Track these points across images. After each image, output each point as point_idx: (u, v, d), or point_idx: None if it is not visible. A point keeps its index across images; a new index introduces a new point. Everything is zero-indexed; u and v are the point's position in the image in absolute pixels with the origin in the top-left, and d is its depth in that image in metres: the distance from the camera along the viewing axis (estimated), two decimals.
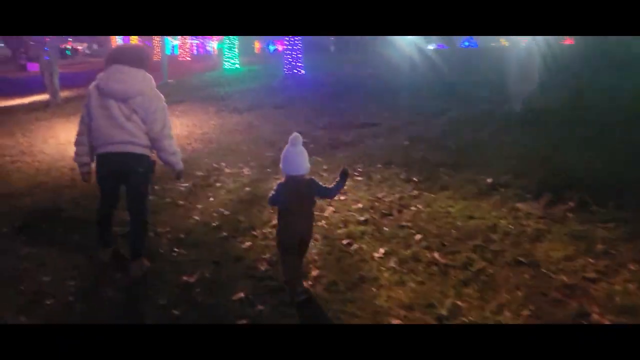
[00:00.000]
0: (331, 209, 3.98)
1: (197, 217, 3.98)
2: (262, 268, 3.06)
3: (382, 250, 3.21)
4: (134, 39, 20.15)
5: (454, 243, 3.27)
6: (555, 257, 2.98)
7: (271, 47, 37.94)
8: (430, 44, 23.22)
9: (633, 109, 6.45)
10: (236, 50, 18.57)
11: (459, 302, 2.58)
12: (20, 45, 24.50)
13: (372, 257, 3.14)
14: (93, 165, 3.12)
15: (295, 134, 2.61)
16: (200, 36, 30.61)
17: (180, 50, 31.10)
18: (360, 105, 9.18)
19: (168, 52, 23.10)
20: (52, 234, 3.72)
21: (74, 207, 4.23)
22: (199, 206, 4.23)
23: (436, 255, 3.11)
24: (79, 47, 37.04)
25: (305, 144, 2.68)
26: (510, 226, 3.45)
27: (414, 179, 4.62)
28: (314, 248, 3.26)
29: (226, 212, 4.05)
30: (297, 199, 2.60)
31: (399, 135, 6.59)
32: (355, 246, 3.31)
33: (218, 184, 4.85)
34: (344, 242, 3.37)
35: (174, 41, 33.04)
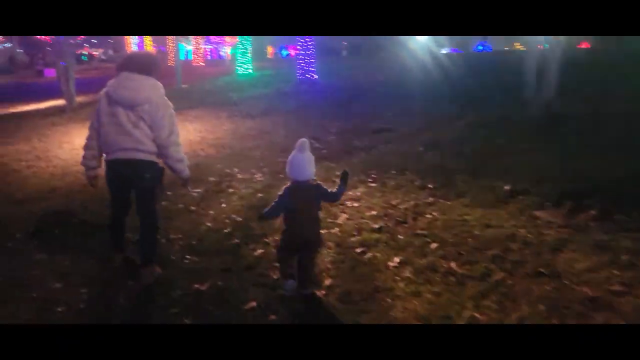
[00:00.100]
0: (345, 216, 3.91)
1: (209, 224, 3.95)
2: (274, 276, 3.00)
3: (396, 259, 3.13)
4: (149, 43, 20.37)
5: (471, 252, 3.17)
6: (578, 268, 2.87)
7: (284, 52, 38.14)
8: (443, 48, 23.12)
9: None
10: (249, 55, 18.69)
11: (477, 315, 2.49)
12: (38, 51, 24.99)
13: (387, 266, 3.06)
14: (100, 170, 3.12)
15: (302, 139, 2.66)
16: (213, 41, 30.81)
17: (194, 55, 31.48)
18: (373, 110, 9.11)
19: (182, 57, 23.33)
20: (65, 240, 3.72)
21: (87, 212, 4.24)
22: (211, 212, 4.20)
23: (453, 265, 3.02)
24: (95, 53, 37.69)
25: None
26: (530, 235, 3.34)
27: (429, 185, 4.53)
28: (327, 256, 3.20)
29: (238, 219, 4.01)
30: (303, 203, 2.68)
31: (414, 140, 6.49)
32: (369, 255, 3.24)
33: (230, 190, 4.82)
34: (358, 250, 3.30)
35: (187, 46, 33.39)
